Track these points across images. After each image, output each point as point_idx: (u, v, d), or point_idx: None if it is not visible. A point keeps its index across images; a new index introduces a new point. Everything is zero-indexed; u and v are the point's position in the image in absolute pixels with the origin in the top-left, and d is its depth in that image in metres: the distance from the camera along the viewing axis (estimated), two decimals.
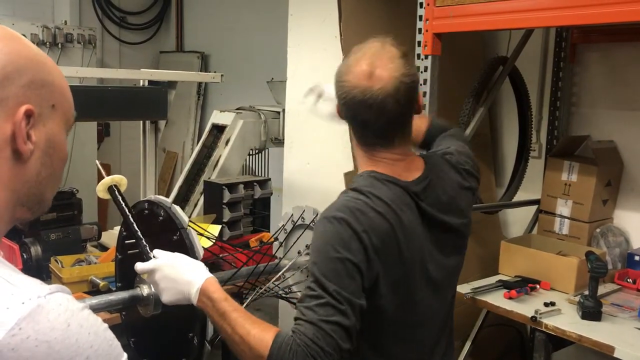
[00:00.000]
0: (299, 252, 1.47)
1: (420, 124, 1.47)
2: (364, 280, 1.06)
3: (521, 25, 2.08)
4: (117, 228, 2.59)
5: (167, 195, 3.27)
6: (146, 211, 1.31)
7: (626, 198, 2.38)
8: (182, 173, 3.37)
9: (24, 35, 0.73)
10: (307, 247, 1.47)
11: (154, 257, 1.17)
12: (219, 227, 2.32)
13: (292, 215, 1.51)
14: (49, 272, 2.21)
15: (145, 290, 1.25)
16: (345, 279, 1.03)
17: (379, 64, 1.12)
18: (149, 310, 1.25)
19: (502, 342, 2.70)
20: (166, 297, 1.15)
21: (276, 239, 1.53)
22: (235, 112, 3.47)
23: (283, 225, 1.52)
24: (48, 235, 2.25)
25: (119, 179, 1.27)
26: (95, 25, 4.82)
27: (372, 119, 1.13)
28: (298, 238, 1.47)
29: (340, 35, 2.34)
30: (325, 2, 2.49)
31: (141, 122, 2.70)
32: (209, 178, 3.01)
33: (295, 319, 1.03)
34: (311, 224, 1.45)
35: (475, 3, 1.83)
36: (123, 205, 1.25)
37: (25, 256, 2.21)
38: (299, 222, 1.48)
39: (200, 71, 4.87)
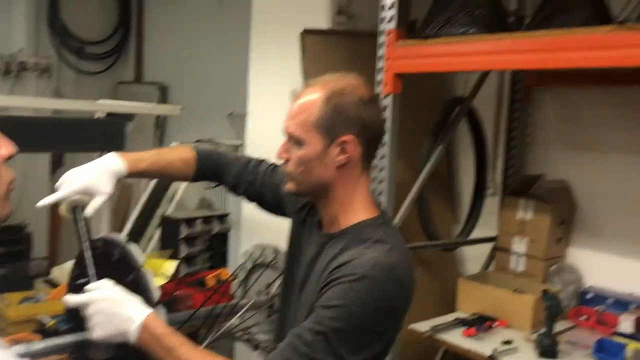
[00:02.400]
0: (258, 292, 1.44)
1: (184, 150, 1.48)
2: None
3: (478, 68, 2.14)
4: (69, 263, 2.51)
5: (121, 230, 3.19)
6: (99, 250, 1.27)
7: (579, 236, 2.44)
8: (137, 207, 3.31)
9: None
10: (268, 286, 1.44)
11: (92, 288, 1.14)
12: (175, 263, 2.26)
13: (252, 253, 1.49)
14: None
15: None
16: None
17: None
18: (99, 354, 1.20)
19: None
20: (99, 333, 1.11)
21: (235, 277, 1.50)
22: (194, 145, 3.44)
23: (243, 264, 1.50)
24: None
25: (87, 201, 1.24)
26: (52, 54, 4.73)
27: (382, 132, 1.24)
28: (258, 277, 1.45)
29: (303, 72, 2.36)
30: (288, 37, 2.51)
31: (98, 154, 2.64)
32: (165, 212, 2.96)
33: None
34: (272, 263, 1.42)
35: (435, 45, 1.87)
36: (84, 229, 1.21)
37: None
38: (260, 260, 1.46)
39: (159, 103, 4.82)
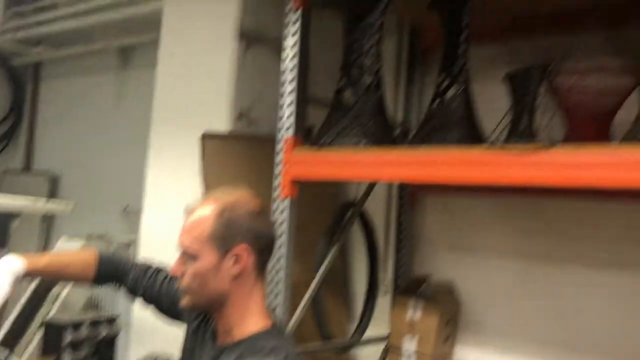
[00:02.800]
0: None
1: (86, 253, 1.53)
2: None
3: (367, 178, 2.29)
4: None
5: None
6: None
7: (464, 335, 2.55)
8: (16, 308, 3.09)
9: None
10: None
11: None
12: None
13: None
14: None
15: None
16: None
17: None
18: None
19: None
20: None
21: None
22: (84, 241, 3.32)
23: None
24: None
25: None
26: None
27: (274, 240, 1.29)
28: None
29: (202, 174, 2.39)
30: (188, 139, 2.55)
31: None
32: (48, 314, 2.78)
33: None
34: None
35: (328, 154, 1.99)
36: None
37: None
38: None
39: (49, 194, 4.63)
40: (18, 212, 2.70)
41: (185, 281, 1.24)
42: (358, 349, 2.85)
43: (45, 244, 4.62)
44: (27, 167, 5.12)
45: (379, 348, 2.66)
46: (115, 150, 4.28)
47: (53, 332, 2.37)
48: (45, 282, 3.11)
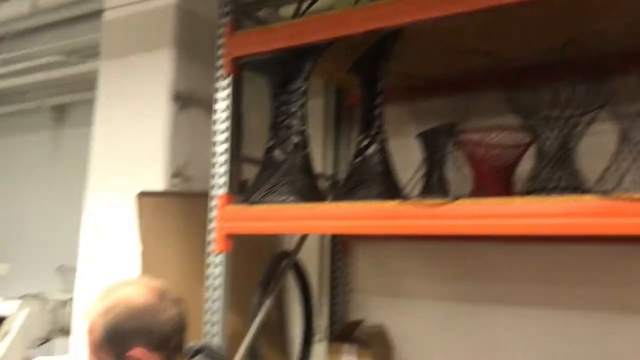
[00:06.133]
0: None
1: None
2: None
3: (297, 231, 2.43)
4: None
5: None
6: None
7: None
8: None
9: None
10: None
11: None
12: None
13: None
14: None
15: None
16: None
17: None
18: None
19: None
20: None
21: None
22: (19, 300, 3.29)
23: None
24: None
25: None
26: None
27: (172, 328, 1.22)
28: None
29: (139, 231, 2.46)
30: (124, 199, 2.63)
31: None
32: None
33: None
34: None
35: (260, 210, 2.11)
36: None
37: None
38: None
39: None
40: None
41: None
42: None
43: None
44: None
45: None
46: (50, 208, 4.27)
47: None
48: None
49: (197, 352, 1.34)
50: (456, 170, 2.12)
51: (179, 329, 1.27)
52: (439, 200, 1.69)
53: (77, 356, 2.75)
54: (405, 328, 2.71)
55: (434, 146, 2.06)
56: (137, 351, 1.18)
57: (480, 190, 2.04)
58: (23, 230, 4.44)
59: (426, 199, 1.76)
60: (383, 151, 2.07)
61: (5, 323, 3.14)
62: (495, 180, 2.04)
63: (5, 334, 3.09)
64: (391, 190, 1.99)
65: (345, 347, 2.64)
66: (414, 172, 2.09)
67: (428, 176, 2.07)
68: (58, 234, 4.05)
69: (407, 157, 2.23)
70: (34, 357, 3.64)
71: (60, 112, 4.32)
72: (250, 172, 2.39)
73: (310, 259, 2.89)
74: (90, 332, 1.22)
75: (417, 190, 2.05)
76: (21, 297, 3.37)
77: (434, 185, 2.02)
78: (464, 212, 1.66)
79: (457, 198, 1.67)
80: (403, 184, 2.06)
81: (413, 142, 2.20)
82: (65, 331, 3.25)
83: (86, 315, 1.24)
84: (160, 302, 1.23)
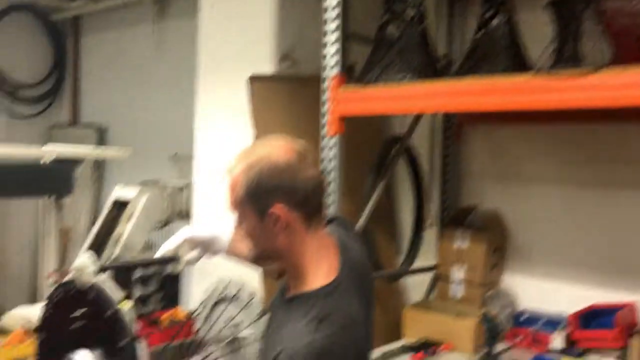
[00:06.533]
0: (222, 326, 1.51)
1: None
2: None
3: (413, 111, 2.32)
4: (18, 309, 2.49)
5: None
6: (73, 290, 1.32)
7: (512, 263, 2.62)
8: (82, 250, 3.28)
9: None
10: (230, 320, 1.52)
11: None
12: (129, 303, 2.28)
13: (215, 288, 1.56)
14: None
15: None
16: None
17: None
18: None
19: None
20: None
21: (198, 313, 1.57)
22: (139, 187, 3.47)
23: (206, 300, 1.57)
24: None
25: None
26: None
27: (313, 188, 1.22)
28: (222, 311, 1.52)
29: (251, 116, 2.47)
30: (234, 83, 2.61)
31: (39, 200, 2.64)
32: (112, 255, 2.96)
33: None
34: (235, 298, 1.50)
35: (374, 90, 2.03)
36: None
37: None
38: (223, 295, 1.53)
39: (97, 146, 4.79)
40: (80, 160, 2.82)
41: (245, 239, 1.27)
42: (407, 280, 2.95)
43: (99, 192, 4.83)
44: (74, 120, 5.28)
45: (427, 278, 2.75)
46: (160, 99, 4.38)
47: (123, 269, 2.52)
48: (105, 226, 3.30)
49: (331, 220, 1.35)
50: (592, 44, 1.91)
51: (319, 190, 1.25)
52: (578, 71, 1.53)
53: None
54: (521, 213, 2.61)
55: (568, 16, 1.85)
56: (278, 208, 1.18)
57: (620, 64, 1.83)
58: (135, 121, 4.61)
59: (562, 70, 1.60)
60: (509, 22, 1.90)
61: (128, 207, 3.33)
62: (637, 52, 1.83)
63: (129, 217, 3.29)
64: (519, 64, 1.84)
65: (458, 232, 2.60)
66: (544, 47, 1.90)
67: (560, 50, 1.87)
68: (170, 123, 4.18)
69: (534, 31, 2.02)
70: (154, 240, 3.89)
71: (161, 5, 4.33)
72: (357, 56, 2.30)
73: (422, 144, 2.81)
74: (233, 189, 1.22)
75: (548, 65, 1.87)
76: (141, 183, 3.55)
77: (567, 59, 1.83)
78: (607, 83, 1.50)
79: (599, 67, 1.51)
80: (532, 59, 1.90)
81: (542, 15, 1.99)
82: (182, 215, 3.42)
83: (228, 173, 1.24)
84: (301, 162, 1.21)
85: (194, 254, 1.44)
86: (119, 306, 1.24)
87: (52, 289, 1.35)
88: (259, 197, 1.18)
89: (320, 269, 1.23)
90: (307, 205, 1.22)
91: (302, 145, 1.25)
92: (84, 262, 1.26)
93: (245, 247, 1.34)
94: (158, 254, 1.41)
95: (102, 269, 1.26)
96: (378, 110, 2.14)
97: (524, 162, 2.59)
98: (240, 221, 1.23)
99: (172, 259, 1.38)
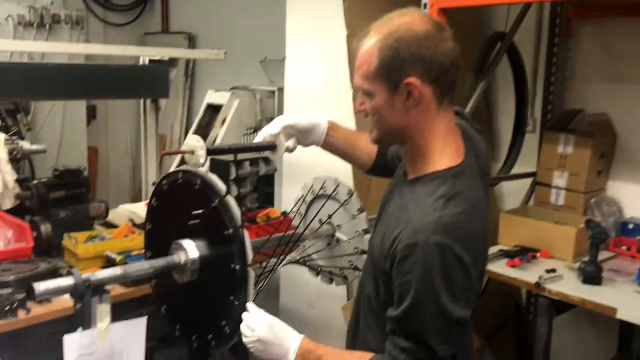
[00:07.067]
0: (320, 222, 1.52)
1: (372, 147, 1.48)
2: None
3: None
4: (124, 206, 2.64)
5: None
6: (180, 180, 1.35)
7: (619, 169, 2.47)
8: (179, 155, 3.39)
9: (10, 16, 0.74)
10: (330, 217, 1.52)
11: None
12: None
13: (312, 186, 1.56)
14: (59, 250, 2.23)
15: (182, 257, 1.29)
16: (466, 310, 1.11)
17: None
18: (186, 277, 1.29)
19: (500, 311, 2.79)
20: (258, 358, 1.24)
21: (298, 209, 1.57)
22: (231, 92, 3.50)
23: (304, 197, 1.57)
24: (57, 213, 2.26)
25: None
26: (81, 6, 4.77)
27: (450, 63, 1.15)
28: (320, 209, 1.52)
29: (345, 15, 2.37)
30: None
31: (140, 102, 2.71)
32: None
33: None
34: (333, 195, 1.49)
35: None
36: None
37: (35, 234, 2.22)
38: (321, 192, 1.53)
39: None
40: (175, 62, 2.85)
41: (369, 117, 1.20)
42: (503, 187, 2.86)
43: (190, 97, 4.94)
44: (166, 28, 5.35)
45: (524, 185, 2.65)
46: (249, 3, 4.33)
47: (220, 170, 2.57)
48: (201, 129, 3.37)
49: (456, 113, 1.28)
50: None
51: (456, 64, 1.15)
52: None
53: None
54: (631, 117, 2.42)
55: None
56: (414, 80, 1.11)
57: None
58: (223, 27, 4.60)
59: None
60: None
61: (222, 112, 3.38)
62: None
63: (223, 121, 3.34)
64: None
65: (562, 137, 2.45)
66: None
67: None
68: (259, 29, 4.14)
69: None
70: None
71: None
72: None
73: (526, 42, 2.62)
74: (363, 63, 1.15)
75: None
76: (232, 89, 3.57)
77: None
78: None
79: None
80: None
81: None
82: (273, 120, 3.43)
83: (357, 49, 1.17)
84: (441, 33, 1.12)
85: (291, 142, 1.42)
86: (225, 195, 1.25)
87: (159, 181, 1.38)
88: (394, 67, 1.12)
89: (447, 151, 1.18)
90: (442, 81, 1.14)
91: (440, 19, 1.19)
92: (193, 145, 1.27)
93: (358, 133, 1.35)
94: (258, 138, 1.41)
95: (209, 152, 1.26)
96: (481, 1, 1.98)
97: (635, 63, 2.36)
98: (369, 95, 1.17)
99: (271, 145, 1.35)
